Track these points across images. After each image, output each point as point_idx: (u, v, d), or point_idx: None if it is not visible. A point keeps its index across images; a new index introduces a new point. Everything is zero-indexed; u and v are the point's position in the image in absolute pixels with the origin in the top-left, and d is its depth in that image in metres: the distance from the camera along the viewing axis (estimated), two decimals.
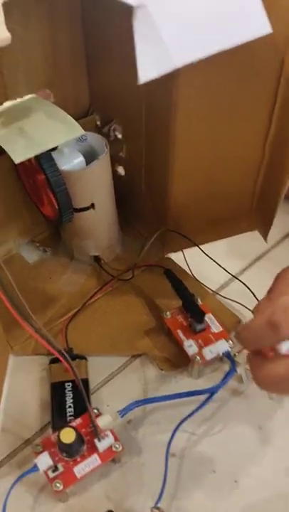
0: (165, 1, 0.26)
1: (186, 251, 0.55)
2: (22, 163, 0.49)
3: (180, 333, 0.46)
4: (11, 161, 0.50)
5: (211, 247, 0.54)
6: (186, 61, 0.28)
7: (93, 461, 0.40)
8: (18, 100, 0.48)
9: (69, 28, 0.47)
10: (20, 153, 0.43)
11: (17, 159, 0.42)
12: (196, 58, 0.28)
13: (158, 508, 0.37)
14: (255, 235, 0.56)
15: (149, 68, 0.27)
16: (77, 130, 0.45)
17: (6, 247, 0.57)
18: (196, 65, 0.35)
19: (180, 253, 0.55)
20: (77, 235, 0.53)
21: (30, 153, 0.43)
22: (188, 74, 0.39)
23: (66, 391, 0.44)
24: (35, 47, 0.47)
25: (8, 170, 0.51)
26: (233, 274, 0.54)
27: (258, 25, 0.29)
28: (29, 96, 0.49)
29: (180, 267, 0.55)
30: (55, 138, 0.44)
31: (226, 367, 0.46)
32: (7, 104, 0.48)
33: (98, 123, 0.54)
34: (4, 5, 0.41)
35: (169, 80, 0.41)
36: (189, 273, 0.54)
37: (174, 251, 0.56)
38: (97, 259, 0.55)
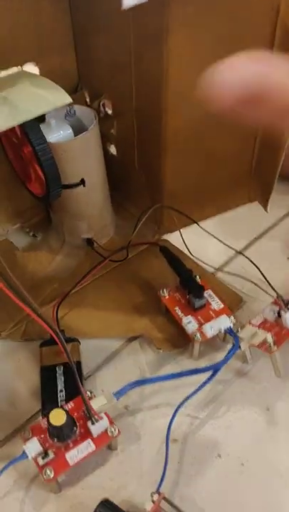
0: None
1: (183, 232, 0.52)
2: (8, 139, 0.47)
3: (178, 311, 0.43)
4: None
5: (210, 227, 0.52)
6: None
7: (87, 446, 0.36)
8: (3, 72, 0.46)
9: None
10: (4, 121, 0.40)
11: (1, 127, 0.40)
12: None
13: (159, 493, 0.34)
14: (255, 214, 0.54)
15: None
16: (64, 97, 0.43)
17: None
18: (188, 9, 0.34)
19: (177, 236, 0.52)
20: (68, 216, 0.51)
21: (15, 121, 0.40)
22: (178, 23, 0.37)
23: (57, 375, 0.41)
24: (20, 18, 0.45)
25: None
26: (234, 252, 0.51)
27: None
28: (14, 68, 0.47)
29: (177, 247, 0.52)
30: (41, 106, 0.42)
31: (228, 347, 0.43)
32: None
33: (87, 99, 0.51)
34: None
35: (158, 35, 0.39)
36: (187, 253, 0.51)
37: (170, 231, 0.53)
38: (89, 242, 0.53)
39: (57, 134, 0.45)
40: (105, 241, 0.54)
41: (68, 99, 0.43)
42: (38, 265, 0.52)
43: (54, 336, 0.38)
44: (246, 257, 0.49)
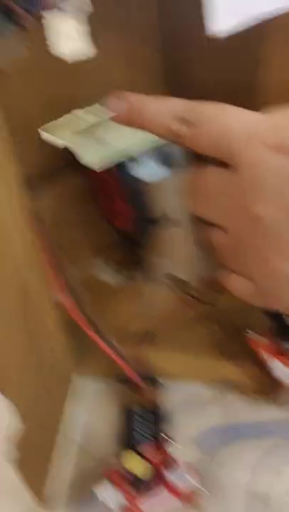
0: None
1: None
2: (96, 174, 0.48)
3: (266, 355, 0.40)
4: (85, 172, 0.49)
5: None
6: (268, 13, 0.25)
7: (164, 495, 0.34)
8: (98, 113, 0.48)
9: (146, 37, 0.47)
10: (98, 162, 0.41)
11: (96, 167, 0.40)
12: (282, 9, 0.25)
13: None
14: None
15: (225, 20, 0.24)
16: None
17: (81, 268, 0.55)
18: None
19: None
20: (155, 252, 0.50)
21: (109, 161, 0.41)
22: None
23: (136, 416, 0.40)
24: (113, 57, 0.46)
25: (82, 183, 0.50)
26: None
27: None
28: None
29: None
30: (133, 145, 0.42)
31: None
32: (85, 115, 0.47)
33: None
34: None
35: (256, 64, 0.38)
36: None
37: None
38: (176, 280, 0.51)
39: (146, 170, 0.45)
40: (194, 279, 0.52)
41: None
42: (123, 303, 0.52)
43: (133, 375, 0.37)
44: None
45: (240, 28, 0.26)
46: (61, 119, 0.45)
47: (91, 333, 0.37)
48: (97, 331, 0.37)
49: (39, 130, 0.43)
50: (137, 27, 0.45)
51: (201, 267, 0.53)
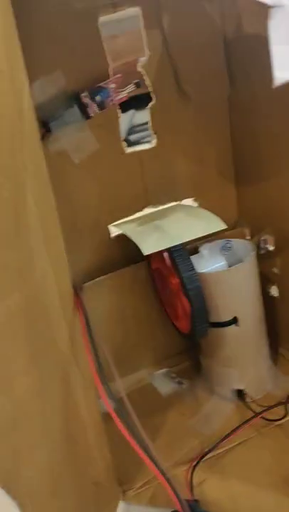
0: None
1: None
2: (159, 272, 0.44)
3: None
4: (147, 268, 0.46)
5: None
6: None
7: None
8: (160, 207, 0.46)
9: (216, 135, 0.46)
10: (150, 246, 0.38)
11: (146, 251, 0.38)
12: None
13: None
14: None
15: (287, 68, 0.21)
16: (218, 224, 0.40)
17: (137, 376, 0.50)
18: None
19: None
20: (218, 361, 0.44)
21: (161, 246, 0.38)
22: None
23: None
24: (179, 155, 0.45)
25: (144, 282, 0.47)
26: None
27: None
28: (173, 203, 0.46)
29: None
30: (191, 232, 0.39)
31: None
32: (149, 210, 0.45)
33: (247, 234, 0.48)
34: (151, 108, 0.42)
35: None
36: None
37: None
38: (241, 394, 0.45)
39: (209, 265, 0.42)
40: (260, 395, 0.45)
41: (222, 226, 0.40)
42: (180, 416, 0.46)
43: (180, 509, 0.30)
44: None
45: None
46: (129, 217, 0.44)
47: (141, 452, 0.31)
48: (146, 450, 0.31)
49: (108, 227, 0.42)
50: (207, 123, 0.45)
51: (269, 381, 0.46)
